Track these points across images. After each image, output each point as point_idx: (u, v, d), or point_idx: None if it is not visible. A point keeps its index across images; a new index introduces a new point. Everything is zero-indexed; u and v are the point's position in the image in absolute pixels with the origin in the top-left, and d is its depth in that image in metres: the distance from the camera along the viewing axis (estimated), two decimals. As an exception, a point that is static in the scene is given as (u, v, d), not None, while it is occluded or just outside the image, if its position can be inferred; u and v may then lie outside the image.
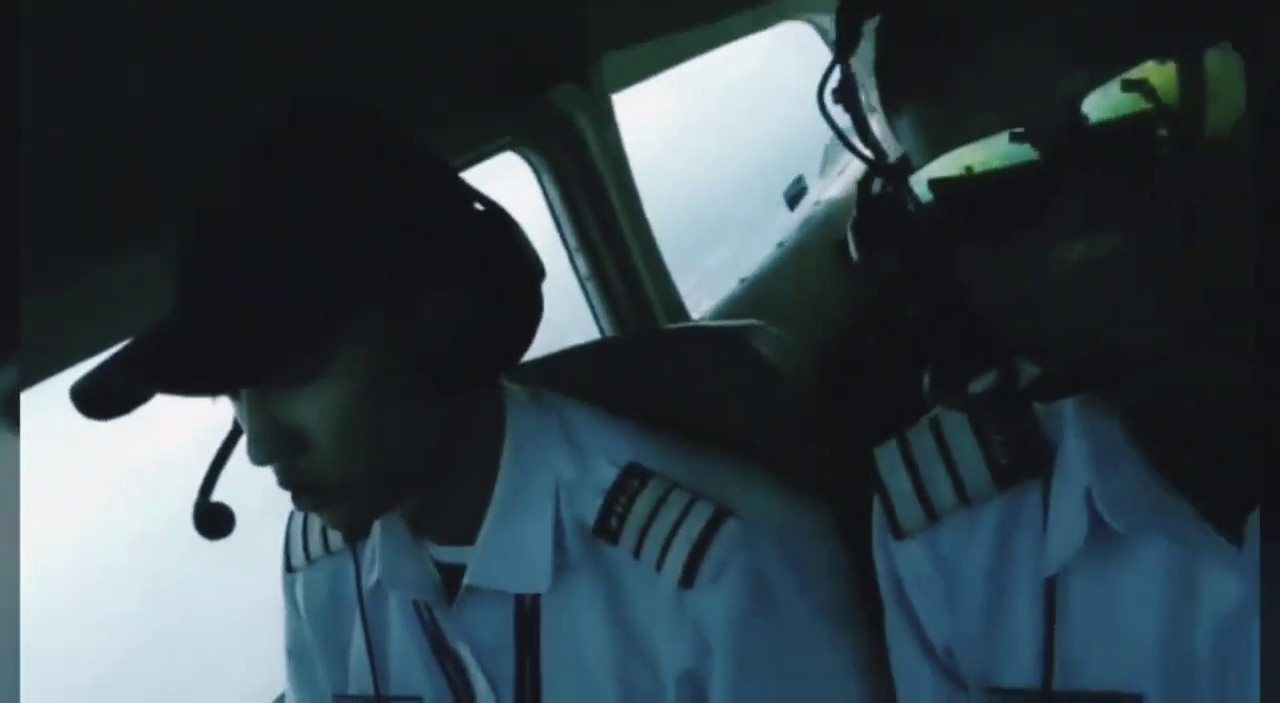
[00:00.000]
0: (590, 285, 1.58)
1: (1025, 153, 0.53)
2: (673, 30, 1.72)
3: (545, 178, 1.51)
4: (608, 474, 0.94)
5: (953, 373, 0.67)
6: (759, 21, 2.05)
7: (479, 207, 0.89)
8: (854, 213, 0.67)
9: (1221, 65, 0.52)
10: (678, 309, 1.68)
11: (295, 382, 0.82)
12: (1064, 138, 0.52)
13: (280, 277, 0.80)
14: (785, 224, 2.19)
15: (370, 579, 1.02)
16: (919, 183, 0.59)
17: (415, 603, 1.01)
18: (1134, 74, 0.51)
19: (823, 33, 2.30)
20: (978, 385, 0.72)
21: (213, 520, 0.91)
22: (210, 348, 0.79)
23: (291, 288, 0.80)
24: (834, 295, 2.16)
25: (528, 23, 1.33)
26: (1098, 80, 0.52)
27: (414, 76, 1.14)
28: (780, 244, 2.09)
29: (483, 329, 0.86)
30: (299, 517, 1.10)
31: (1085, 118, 0.52)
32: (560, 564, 0.94)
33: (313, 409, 0.82)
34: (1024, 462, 0.74)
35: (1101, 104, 0.52)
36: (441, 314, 0.85)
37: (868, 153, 0.66)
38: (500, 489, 0.94)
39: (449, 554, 0.98)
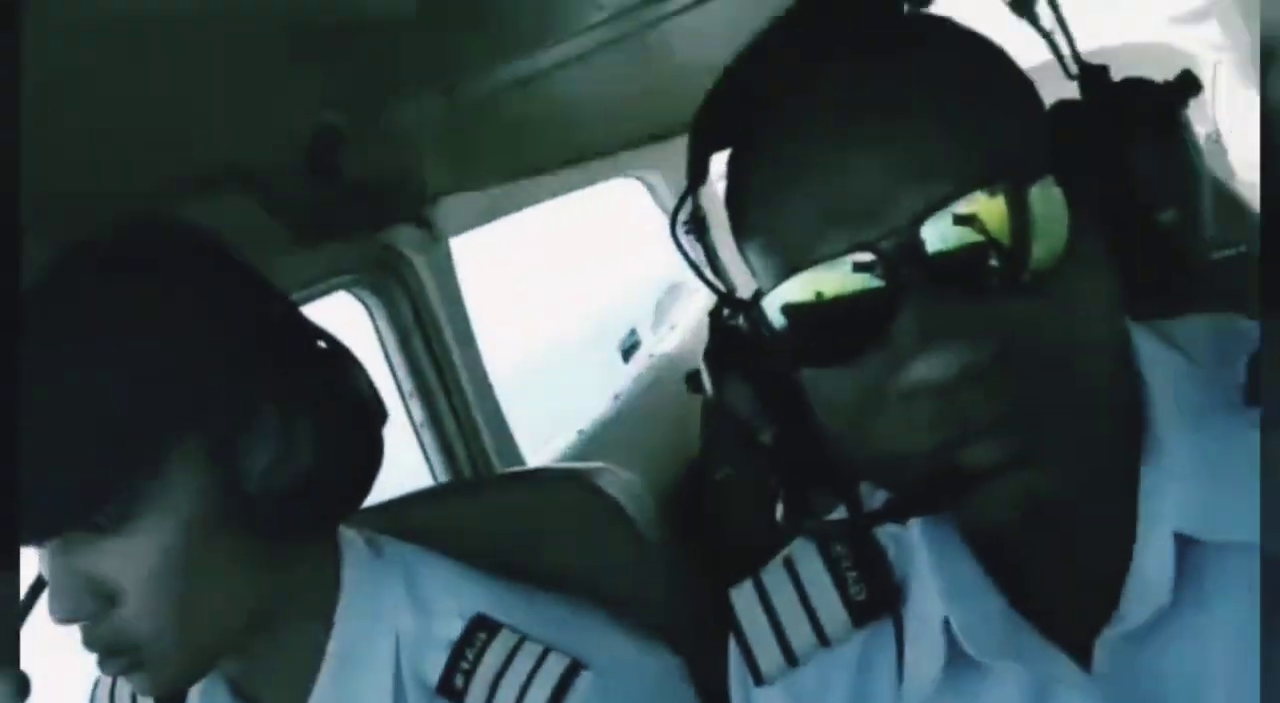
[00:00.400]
0: (425, 432, 1.53)
1: (868, 278, 0.56)
2: (509, 179, 1.73)
3: (380, 320, 1.47)
4: (453, 628, 0.88)
5: (805, 501, 0.67)
6: (590, 176, 2.10)
7: (321, 344, 0.84)
8: (706, 343, 0.67)
9: (1044, 201, 0.55)
10: (515, 459, 1.63)
11: (103, 530, 0.74)
12: (902, 264, 0.55)
13: (84, 411, 0.73)
14: (620, 376, 2.20)
15: None
16: (770, 309, 0.60)
17: None
18: (964, 207, 0.54)
19: (650, 189, 2.37)
20: (830, 516, 0.72)
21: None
22: (25, 492, 0.71)
23: (97, 424, 0.73)
24: (671, 448, 2.17)
25: (364, 162, 1.31)
26: (933, 209, 0.54)
27: (243, 209, 1.10)
28: (616, 396, 2.09)
29: (316, 474, 0.79)
30: (106, 682, 0.99)
31: (923, 244, 0.54)
32: None
33: (123, 561, 0.75)
34: (878, 597, 0.72)
35: (937, 233, 0.54)
36: (271, 456, 0.77)
37: (718, 283, 0.67)
38: (334, 646, 0.87)
39: None
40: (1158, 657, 0.62)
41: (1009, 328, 0.54)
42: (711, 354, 0.67)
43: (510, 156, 1.73)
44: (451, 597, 0.91)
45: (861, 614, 0.73)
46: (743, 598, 0.77)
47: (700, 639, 0.98)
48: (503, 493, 1.14)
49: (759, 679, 0.76)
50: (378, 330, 1.49)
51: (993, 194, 0.54)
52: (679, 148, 2.33)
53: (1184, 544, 0.61)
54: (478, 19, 1.30)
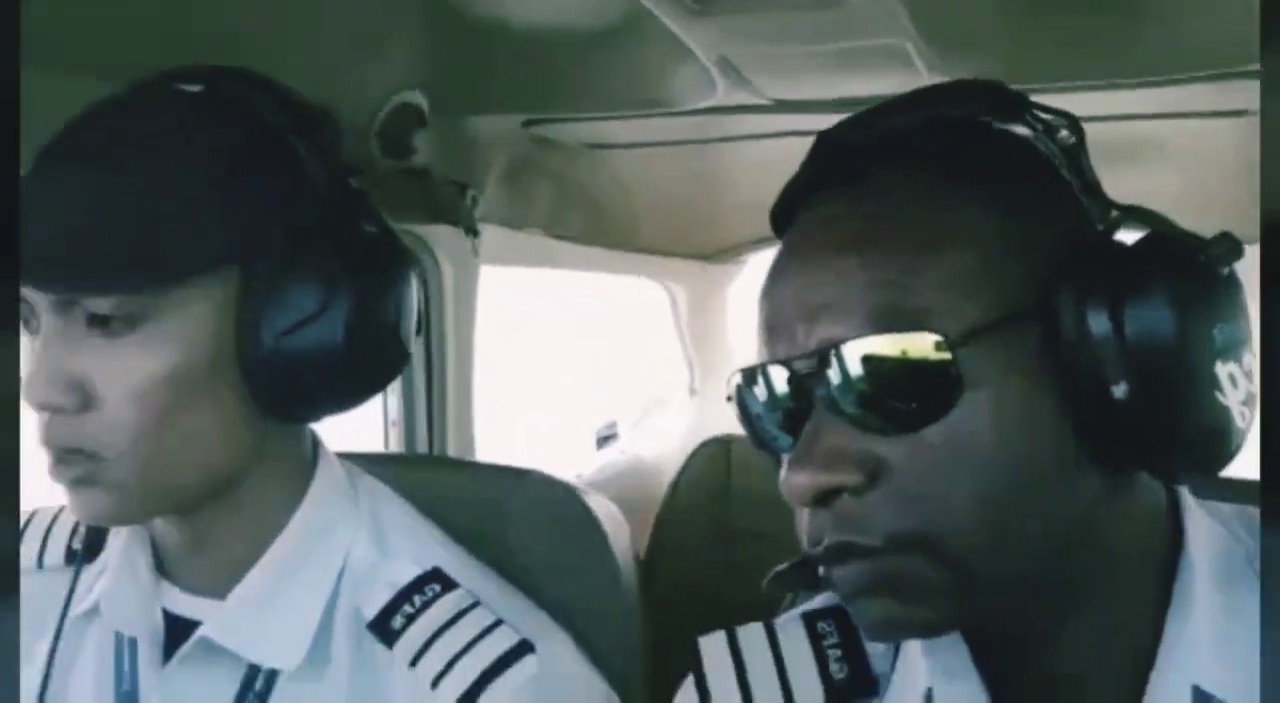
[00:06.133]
0: (394, 431, 1.52)
1: (788, 392, 0.61)
2: (551, 233, 1.77)
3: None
4: (406, 572, 0.86)
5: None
6: (622, 265, 2.13)
7: (384, 242, 0.84)
8: None
9: (937, 354, 0.56)
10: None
11: (106, 327, 0.74)
12: (810, 386, 0.59)
13: (151, 192, 0.74)
14: (585, 459, 2.20)
15: (81, 606, 0.88)
16: (735, 396, 0.65)
17: (120, 650, 0.87)
18: (860, 347, 0.57)
19: (673, 301, 2.41)
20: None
21: None
22: (60, 243, 0.72)
23: (155, 209, 0.74)
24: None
25: (437, 153, 1.35)
26: (833, 343, 0.58)
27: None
28: (578, 475, 2.09)
29: (333, 355, 0.78)
30: (38, 526, 0.95)
31: (824, 372, 0.58)
32: (317, 647, 0.83)
33: (111, 365, 0.74)
34: (859, 679, 0.71)
35: (838, 365, 0.58)
36: (294, 321, 0.77)
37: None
38: (278, 547, 0.84)
39: (188, 606, 0.86)
40: None
41: (876, 466, 0.57)
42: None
43: (558, 213, 1.77)
44: (413, 543, 0.89)
45: (839, 696, 0.71)
46: (713, 649, 0.75)
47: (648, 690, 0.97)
48: (477, 474, 1.12)
49: None
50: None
51: (890, 341, 0.57)
52: (713, 271, 2.38)
53: (1202, 699, 0.61)
54: (580, 67, 1.34)
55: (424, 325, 1.48)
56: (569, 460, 2.17)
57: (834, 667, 0.72)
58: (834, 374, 0.58)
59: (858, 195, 0.62)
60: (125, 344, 0.74)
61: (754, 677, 0.73)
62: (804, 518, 0.60)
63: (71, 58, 0.90)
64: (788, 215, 0.66)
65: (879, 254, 0.58)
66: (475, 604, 0.85)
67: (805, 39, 1.15)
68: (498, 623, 0.84)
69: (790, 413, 0.60)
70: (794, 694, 0.71)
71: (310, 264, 0.78)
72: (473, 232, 1.45)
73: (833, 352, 0.58)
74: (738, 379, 0.64)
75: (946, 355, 0.56)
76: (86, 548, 0.90)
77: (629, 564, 1.00)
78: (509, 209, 1.62)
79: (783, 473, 0.59)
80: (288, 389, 0.79)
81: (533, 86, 1.40)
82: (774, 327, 0.61)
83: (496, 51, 1.31)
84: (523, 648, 0.82)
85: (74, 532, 0.93)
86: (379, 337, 0.81)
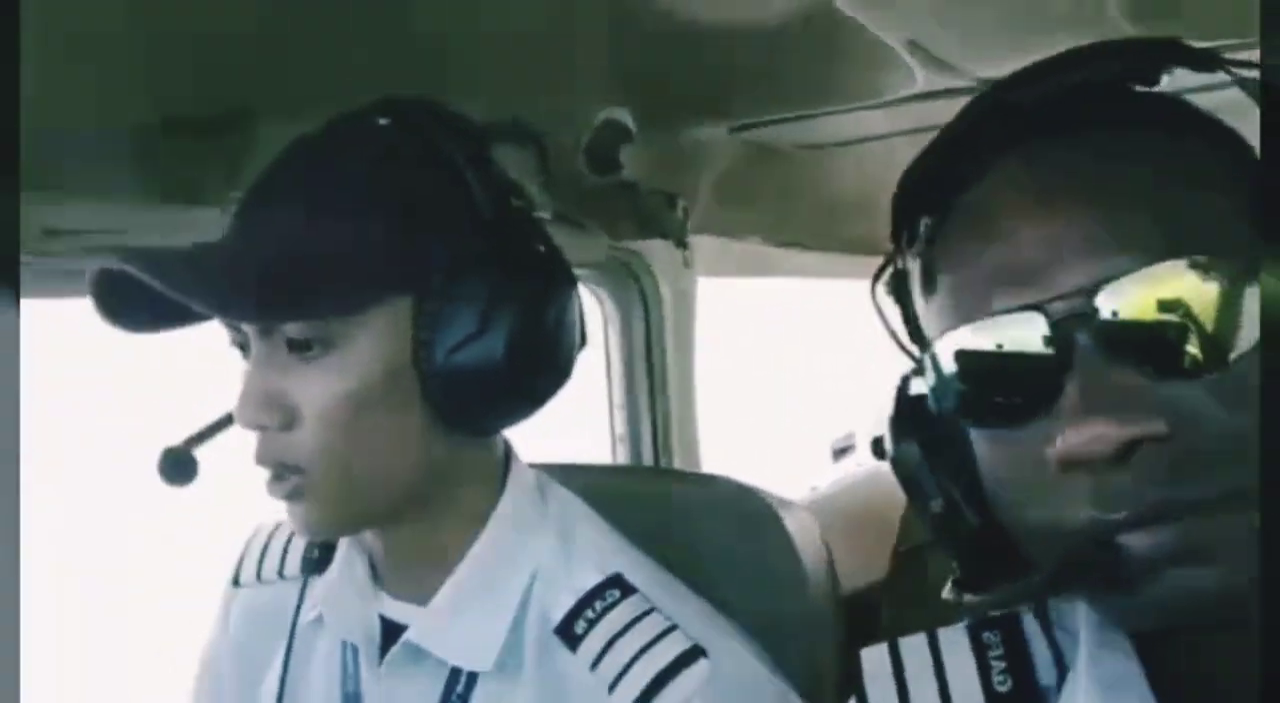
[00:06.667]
0: (621, 446, 1.55)
1: (1038, 342, 0.54)
2: (768, 241, 1.76)
3: (611, 325, 1.51)
4: (589, 578, 0.90)
5: (973, 574, 0.64)
6: (851, 269, 2.09)
7: (546, 257, 0.88)
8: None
9: (1237, 287, 0.52)
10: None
11: (304, 352, 0.81)
12: (1072, 330, 0.53)
13: (338, 234, 0.81)
14: (820, 470, 2.17)
15: (310, 615, 0.96)
16: (942, 361, 0.59)
17: (344, 655, 0.94)
18: (1144, 278, 0.52)
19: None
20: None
21: (179, 466, 0.86)
22: (256, 276, 0.79)
23: (343, 251, 0.81)
24: (849, 562, 2.10)
25: (645, 166, 1.37)
26: (1109, 277, 0.53)
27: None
28: (814, 488, 2.06)
29: (502, 368, 0.83)
30: (263, 533, 1.05)
31: (1095, 312, 0.53)
32: (510, 651, 0.88)
33: (308, 386, 0.81)
34: (1024, 693, 0.67)
35: (1113, 302, 0.53)
36: (463, 338, 0.83)
37: (910, 347, 0.67)
38: (474, 555, 0.90)
39: (398, 611, 0.92)
40: None
41: (1180, 412, 0.52)
42: (893, 419, 0.66)
43: (776, 218, 1.75)
44: (596, 551, 0.92)
45: None
46: (874, 662, 0.73)
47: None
48: (675, 483, 1.13)
49: None
50: (605, 334, 1.52)
51: (1178, 270, 0.52)
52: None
53: None
54: (776, 69, 1.33)
55: (648, 341, 1.52)
56: (804, 474, 2.14)
57: (997, 679, 0.68)
58: (1118, 312, 0.52)
59: (1076, 140, 0.58)
60: (320, 366, 0.81)
61: (914, 690, 0.71)
62: (1078, 488, 0.53)
63: (293, 92, 0.97)
64: (952, 174, 0.62)
65: (1141, 185, 0.55)
66: (651, 609, 0.88)
67: (985, 5, 1.09)
68: (671, 628, 0.86)
69: (1035, 369, 0.54)
70: None
71: (473, 287, 0.83)
72: (682, 244, 1.47)
73: (1112, 285, 0.53)
74: (942, 344, 0.58)
75: (1251, 280, 0.52)
76: (316, 560, 0.98)
77: (819, 570, 0.99)
78: (725, 218, 1.62)
79: (1071, 431, 0.52)
80: (460, 402, 0.84)
81: (733, 92, 1.39)
82: (1011, 271, 0.56)
83: (695, 60, 1.32)
84: (694, 653, 0.84)
85: (311, 543, 1.01)
86: (538, 352, 0.85)
